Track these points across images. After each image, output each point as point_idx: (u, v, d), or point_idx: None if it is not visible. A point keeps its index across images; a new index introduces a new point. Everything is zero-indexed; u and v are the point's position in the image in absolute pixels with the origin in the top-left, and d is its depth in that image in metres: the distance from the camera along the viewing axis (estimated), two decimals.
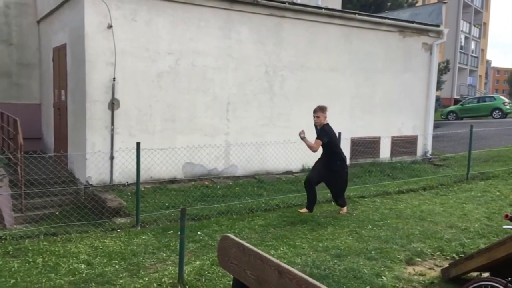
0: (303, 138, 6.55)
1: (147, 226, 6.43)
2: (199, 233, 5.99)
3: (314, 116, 6.73)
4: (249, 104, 9.74)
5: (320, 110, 6.70)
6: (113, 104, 8.39)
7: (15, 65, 11.90)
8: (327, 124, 6.71)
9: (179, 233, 5.85)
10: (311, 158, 10.36)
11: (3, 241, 5.53)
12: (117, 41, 8.17)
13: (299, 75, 10.31)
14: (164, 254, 5.22)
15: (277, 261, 2.45)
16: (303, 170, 10.22)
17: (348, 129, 10.43)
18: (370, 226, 6.34)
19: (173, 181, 8.89)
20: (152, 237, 5.88)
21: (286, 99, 10.22)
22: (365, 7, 23.83)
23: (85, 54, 8.04)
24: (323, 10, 10.41)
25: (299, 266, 4.72)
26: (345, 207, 7.13)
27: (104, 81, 8.24)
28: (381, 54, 11.52)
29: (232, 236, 2.94)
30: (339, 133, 7.98)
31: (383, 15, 13.73)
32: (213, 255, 5.06)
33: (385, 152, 11.90)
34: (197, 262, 4.89)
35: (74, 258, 4.99)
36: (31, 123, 11.45)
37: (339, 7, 16.72)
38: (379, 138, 11.64)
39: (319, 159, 6.93)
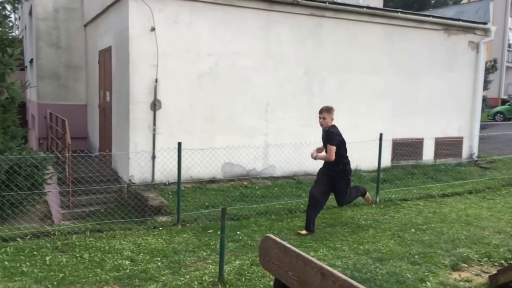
0: (316, 158, 6.11)
1: (188, 224, 6.53)
2: (238, 232, 6.03)
3: (320, 118, 6.11)
4: (288, 105, 9.71)
5: (326, 111, 6.09)
6: (155, 105, 8.58)
7: (63, 68, 12.41)
8: (334, 125, 6.12)
9: (219, 232, 5.98)
10: (350, 160, 10.28)
11: (52, 237, 5.75)
12: (159, 43, 8.35)
13: (339, 76, 10.18)
14: (204, 253, 5.28)
15: (320, 263, 2.43)
16: None
17: (389, 130, 10.22)
18: (413, 230, 6.18)
19: (212, 181, 9.00)
20: (193, 235, 5.96)
21: (326, 99, 10.08)
22: (407, 5, 23.26)
23: (129, 56, 8.27)
24: (364, 9, 10.23)
25: (340, 268, 4.65)
26: (366, 194, 6.73)
27: (147, 82, 8.44)
28: (424, 53, 11.20)
29: (273, 236, 2.94)
30: (381, 134, 7.82)
31: (427, 13, 13.35)
32: (253, 255, 5.08)
33: (428, 154, 11.56)
34: (237, 262, 4.92)
35: (119, 255, 5.13)
36: (77, 123, 11.91)
37: (380, 5, 16.41)
38: (422, 139, 11.32)
39: (321, 168, 6.35)
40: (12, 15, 6.84)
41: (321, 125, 6.13)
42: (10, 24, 7.07)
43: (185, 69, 8.72)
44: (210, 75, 8.94)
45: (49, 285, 4.12)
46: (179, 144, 6.46)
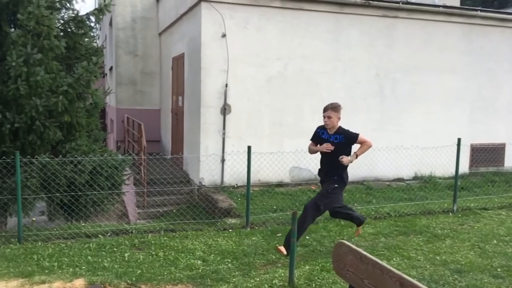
0: (357, 157, 5.26)
1: (256, 227, 6.59)
2: (307, 237, 5.97)
3: (324, 117, 5.20)
4: (357, 108, 9.50)
5: (332, 109, 5.14)
6: (225, 109, 8.78)
7: (139, 74, 13.08)
8: (341, 127, 5.27)
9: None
10: (424, 166, 9.87)
11: (129, 234, 6.06)
12: (229, 48, 8.54)
13: (412, 77, 9.80)
14: (274, 256, 5.29)
15: (399, 272, 2.34)
16: (415, 178, 9.70)
17: (467, 135, 9.64)
18: (495, 241, 5.77)
19: (280, 184, 9.02)
20: (262, 238, 6.00)
21: (398, 102, 9.78)
22: (487, 3, 21.88)
23: (201, 62, 8.54)
24: (441, 8, 9.77)
25: (415, 279, 4.44)
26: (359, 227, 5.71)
27: (217, 87, 8.66)
28: (507, 53, 10.46)
29: (348, 243, 2.88)
30: (459, 139, 7.40)
31: (510, 10, 12.46)
32: (323, 261, 5.01)
33: (510, 161, 10.76)
34: (307, 267, 4.88)
35: (191, 254, 5.29)
36: (151, 127, 12.48)
37: (457, 4, 15.57)
38: (504, 144, 10.56)
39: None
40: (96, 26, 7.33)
41: (326, 125, 5.22)
42: (94, 34, 7.59)
43: (254, 73, 8.84)
44: (278, 79, 8.99)
45: (128, 281, 4.33)
46: (249, 147, 6.55)
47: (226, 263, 5.04)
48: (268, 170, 8.60)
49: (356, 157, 5.21)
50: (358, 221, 5.67)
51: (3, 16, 6.40)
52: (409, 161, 9.12)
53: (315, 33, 9.07)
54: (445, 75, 10.00)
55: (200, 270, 4.80)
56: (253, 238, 5.98)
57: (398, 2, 9.38)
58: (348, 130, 5.24)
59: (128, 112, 12.69)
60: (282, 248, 5.30)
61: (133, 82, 13.10)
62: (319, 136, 5.38)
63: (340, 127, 5.23)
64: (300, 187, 8.95)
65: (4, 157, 5.99)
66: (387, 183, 9.42)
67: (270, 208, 7.57)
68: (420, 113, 9.90)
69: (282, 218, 6.88)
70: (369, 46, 9.45)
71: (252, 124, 8.93)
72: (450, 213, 7.12)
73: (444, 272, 4.74)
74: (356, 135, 5.17)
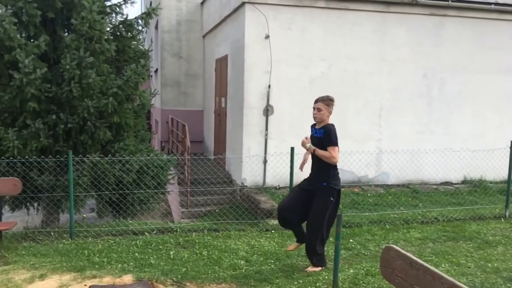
0: (314, 151, 4.57)
1: None
2: (351, 240, 5.89)
3: (314, 109, 4.67)
4: (403, 110, 9.27)
5: (322, 101, 4.62)
6: (268, 110, 8.80)
7: (183, 76, 13.35)
8: (332, 124, 4.71)
9: (330, 238, 5.91)
10: (474, 169, 9.48)
11: (174, 233, 6.19)
12: (273, 50, 8.56)
13: (461, 78, 9.45)
14: None
15: (451, 279, 2.27)
16: (464, 182, 9.34)
17: None
18: None
19: None
20: None
21: (446, 104, 9.46)
22: None
23: (244, 64, 8.60)
24: (493, 6, 9.36)
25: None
26: (317, 267, 4.76)
27: (260, 88, 8.69)
28: None
29: (396, 247, 2.82)
30: None
31: None
32: (367, 265, 4.92)
33: None
34: (351, 270, 4.80)
35: (234, 254, 5.34)
36: (194, 127, 12.70)
37: (511, 1, 14.86)
38: None
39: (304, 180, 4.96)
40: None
41: (315, 118, 4.68)
42: (142, 37, 7.82)
43: (297, 74, 8.81)
44: (322, 80, 8.91)
45: (174, 278, 4.42)
46: (292, 149, 6.53)
47: (269, 264, 5.04)
48: (309, 172, 8.53)
49: (314, 151, 4.54)
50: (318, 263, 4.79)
51: (58, 21, 6.72)
52: (457, 164, 8.80)
53: (360, 33, 8.93)
54: (497, 76, 9.57)
55: (243, 270, 4.83)
56: (295, 240, 5.95)
57: (447, 0, 9.07)
58: (332, 131, 4.58)
59: (172, 113, 12.98)
60: (315, 268, 4.73)
61: (177, 83, 13.38)
62: (311, 133, 4.83)
63: (328, 124, 4.64)
64: (342, 189, 8.77)
65: (58, 156, 6.28)
66: (435, 186, 9.13)
67: None
68: (470, 115, 9.53)
69: None
70: (416, 46, 9.19)
71: (294, 125, 8.89)
72: (502, 218, 6.82)
73: (496, 280, 4.54)
74: (331, 142, 4.54)
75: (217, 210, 8.27)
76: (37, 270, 4.54)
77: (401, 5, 8.96)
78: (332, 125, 4.68)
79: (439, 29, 9.28)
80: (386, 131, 9.23)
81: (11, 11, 6.33)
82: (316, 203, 4.64)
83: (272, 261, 5.15)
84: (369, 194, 8.42)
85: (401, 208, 7.52)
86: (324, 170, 4.66)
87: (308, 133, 8.82)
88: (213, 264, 5.03)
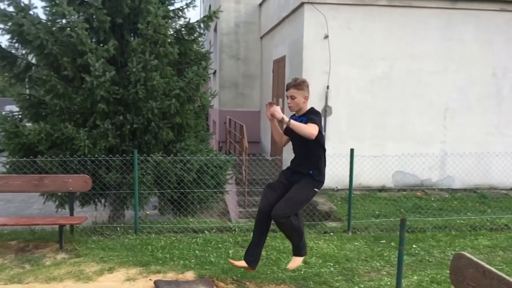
0: (282, 120, 3.58)
1: (358, 232, 6.42)
2: (414, 246, 5.69)
3: (287, 98, 3.92)
4: (470, 110, 8.83)
5: (294, 87, 3.84)
6: (326, 111, 8.70)
7: (241, 77, 13.52)
8: (313, 108, 3.92)
9: (392, 243, 5.76)
10: None
11: (233, 232, 6.27)
12: (331, 50, 8.46)
13: None
14: (378, 264, 5.11)
15: None
16: None
17: None
18: None
19: (382, 189, 8.71)
20: (364, 244, 5.84)
21: None
22: None
23: (302, 64, 8.57)
24: None
25: None
26: (298, 258, 4.15)
27: (318, 89, 8.61)
28: None
29: (468, 255, 2.67)
30: None
31: None
32: (432, 272, 4.74)
33: None
34: (415, 277, 4.64)
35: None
36: (251, 128, 12.81)
37: None
38: None
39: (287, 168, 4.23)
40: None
41: (290, 108, 3.93)
42: (202, 40, 8.01)
43: (356, 74, 8.65)
44: (383, 80, 8.69)
45: (233, 276, 4.49)
46: (352, 150, 6.41)
47: (328, 267, 4.98)
48: (370, 174, 8.34)
49: (289, 122, 3.59)
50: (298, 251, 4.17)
51: (125, 26, 7.05)
52: None
53: (424, 31, 8.62)
54: None
55: (302, 272, 4.80)
56: (356, 243, 5.84)
57: None
58: (315, 113, 3.85)
59: (229, 114, 13.17)
60: (240, 263, 4.08)
61: (235, 84, 13.57)
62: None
63: (310, 108, 3.90)
64: (404, 192, 8.56)
65: (124, 155, 6.57)
66: (504, 191, 8.62)
67: (372, 213, 7.33)
68: None
69: (385, 224, 6.62)
70: (485, 44, 8.72)
71: (353, 126, 8.74)
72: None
73: None
74: (313, 120, 3.71)
75: None
76: (105, 263, 4.77)
77: (468, 1, 8.55)
78: (313, 108, 3.90)
79: (510, 26, 8.75)
80: (452, 133, 8.83)
81: (83, 17, 6.71)
82: (299, 186, 3.91)
83: (331, 264, 5.08)
84: (432, 198, 8.10)
85: (468, 213, 7.16)
86: (312, 159, 3.95)
87: (367, 135, 8.67)
88: (272, 264, 5.04)
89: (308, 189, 3.92)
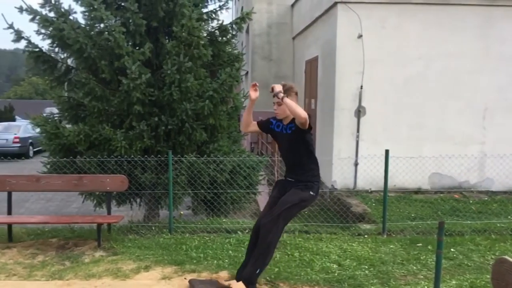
0: (278, 95, 3.67)
1: (393, 235, 6.31)
2: (452, 250, 5.54)
3: (274, 104, 3.86)
4: (510, 110, 8.51)
5: (287, 88, 3.77)
6: (359, 112, 8.59)
7: (273, 78, 13.51)
8: None
9: (429, 247, 5.62)
10: None
11: None
12: (365, 49, 8.35)
13: None
14: (414, 267, 5.00)
15: None
16: None
17: None
18: None
19: (417, 191, 8.52)
20: (400, 247, 5.72)
21: None
22: None
23: (336, 64, 8.49)
24: None
25: None
26: (240, 285, 3.82)
27: (352, 89, 8.52)
28: None
29: (511, 259, 2.58)
30: None
31: None
32: (471, 277, 4.60)
33: None
34: (453, 282, 4.52)
35: (326, 257, 5.27)
36: None
37: None
38: None
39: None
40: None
41: (277, 115, 3.89)
42: (235, 41, 8.08)
43: (391, 74, 8.51)
44: (418, 79, 8.51)
45: (267, 277, 4.49)
46: (387, 151, 6.30)
47: (363, 270, 4.91)
48: (406, 176, 8.16)
49: (283, 98, 3.65)
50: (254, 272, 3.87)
51: (160, 29, 7.18)
52: None
53: (462, 28, 8.39)
54: None
55: (336, 274, 4.75)
56: (391, 246, 5.73)
57: None
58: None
59: (261, 115, 13.09)
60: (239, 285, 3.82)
61: (266, 86, 13.49)
62: (270, 127, 4.06)
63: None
64: (440, 195, 8.35)
65: (159, 155, 6.70)
66: None
67: (408, 215, 7.19)
68: None
69: (422, 227, 6.48)
70: None
71: (388, 127, 8.59)
72: None
73: None
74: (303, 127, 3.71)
75: (306, 212, 8.23)
76: (141, 261, 4.88)
77: None
78: None
79: None
80: (491, 134, 8.55)
81: (120, 21, 6.88)
82: (291, 193, 3.81)
83: (366, 266, 5.01)
84: (471, 201, 7.87)
85: (509, 217, 6.90)
86: (302, 166, 3.86)
87: (402, 135, 8.50)
88: (305, 266, 5.01)
89: (300, 193, 3.82)
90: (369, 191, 8.53)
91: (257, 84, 3.87)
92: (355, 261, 5.17)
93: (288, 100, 3.62)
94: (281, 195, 3.91)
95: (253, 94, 3.87)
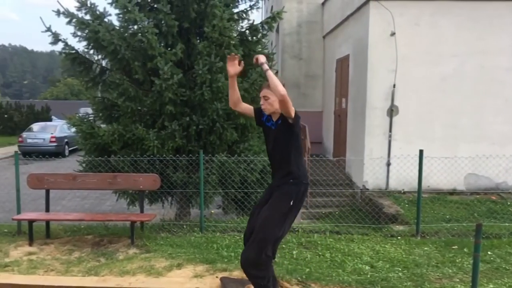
0: (262, 66, 3.43)
1: (427, 237, 6.18)
2: (489, 253, 5.37)
3: (261, 99, 3.57)
4: None
5: (268, 87, 3.46)
6: (392, 111, 8.44)
7: (303, 77, 13.44)
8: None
9: (465, 249, 5.47)
10: None
11: (296, 233, 6.26)
12: (398, 47, 8.19)
13: None
14: (450, 270, 4.87)
15: None
16: None
17: None
18: None
19: (452, 192, 8.30)
20: (434, 249, 5.59)
21: None
22: None
23: (368, 63, 8.36)
24: None
25: None
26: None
27: (384, 88, 8.37)
28: None
29: None
30: None
31: None
32: (510, 280, 4.46)
33: None
34: (490, 285, 4.38)
35: (358, 259, 5.21)
36: (313, 128, 12.69)
37: None
38: None
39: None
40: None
41: (264, 110, 3.58)
42: (266, 41, 8.07)
43: (425, 72, 8.31)
44: (453, 78, 8.28)
45: (298, 277, 4.47)
46: (421, 151, 6.17)
47: (396, 272, 4.82)
48: (441, 176, 7.98)
49: (266, 70, 3.39)
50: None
51: (191, 30, 7.26)
52: None
53: (500, 25, 8.13)
54: None
55: (368, 276, 4.69)
56: (425, 248, 5.61)
57: None
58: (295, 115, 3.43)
59: None
60: None
61: (296, 85, 13.51)
62: (262, 120, 3.71)
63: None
64: (476, 196, 8.10)
65: (190, 155, 6.78)
66: None
67: (442, 217, 7.02)
68: None
69: (457, 229, 6.32)
70: None
71: (421, 127, 8.40)
72: None
73: None
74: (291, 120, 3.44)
75: (337, 212, 8.17)
76: (174, 259, 4.94)
77: None
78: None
79: None
80: None
81: (153, 23, 7.00)
82: (274, 200, 3.51)
83: (400, 269, 4.91)
84: (509, 203, 7.61)
85: None
86: (288, 164, 3.53)
87: (437, 135, 8.29)
88: (337, 267, 4.97)
89: (278, 205, 3.46)
90: (402, 191, 8.36)
91: (238, 56, 3.60)
92: (388, 263, 5.09)
93: (271, 73, 3.36)
94: (264, 203, 3.58)
95: (232, 70, 3.53)
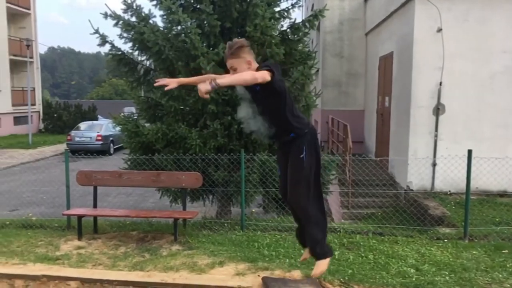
0: (217, 84, 2.78)
1: (476, 240, 5.94)
2: None
3: (228, 64, 3.13)
4: None
5: (231, 56, 3.08)
6: (438, 109, 8.18)
7: (344, 76, 13.26)
8: (264, 63, 3.25)
9: None
10: None
11: (337, 233, 6.18)
12: (445, 44, 7.92)
13: None
14: (500, 275, 4.66)
15: None
16: None
17: None
18: None
19: (502, 194, 7.94)
20: (483, 253, 5.37)
21: None
22: None
23: (412, 60, 8.14)
24: None
25: None
26: (322, 262, 3.44)
27: (430, 86, 8.13)
28: None
29: None
30: None
31: None
32: None
33: None
34: None
35: (403, 261, 5.08)
36: (355, 128, 12.49)
37: None
38: None
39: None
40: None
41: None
42: (307, 39, 8.02)
43: (473, 69, 8.00)
44: (505, 75, 7.93)
45: (341, 279, 4.41)
46: (470, 152, 5.94)
47: (443, 276, 4.66)
48: (490, 178, 7.63)
49: (217, 83, 2.80)
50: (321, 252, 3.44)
51: (233, 30, 7.31)
52: None
53: None
54: None
55: (413, 279, 4.56)
56: (473, 252, 5.40)
57: None
58: (265, 65, 3.06)
59: (332, 113, 13.00)
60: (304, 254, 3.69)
61: (337, 83, 13.35)
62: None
63: (258, 66, 3.10)
64: None
65: (231, 154, 6.83)
66: None
67: (492, 220, 6.73)
68: None
69: (507, 233, 6.05)
70: None
71: (469, 126, 8.09)
72: None
73: None
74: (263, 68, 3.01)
75: (380, 213, 7.99)
76: (216, 257, 5.00)
77: None
78: (266, 63, 3.22)
79: None
80: None
81: (196, 23, 7.10)
82: (291, 159, 3.27)
83: (447, 272, 4.75)
84: None
85: None
86: (281, 120, 3.20)
87: (485, 135, 7.95)
88: (380, 269, 4.86)
89: (301, 158, 3.21)
90: (448, 193, 8.09)
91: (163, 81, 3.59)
92: (434, 266, 4.93)
93: (226, 81, 2.97)
94: (285, 158, 3.34)
95: (204, 88, 2.81)
